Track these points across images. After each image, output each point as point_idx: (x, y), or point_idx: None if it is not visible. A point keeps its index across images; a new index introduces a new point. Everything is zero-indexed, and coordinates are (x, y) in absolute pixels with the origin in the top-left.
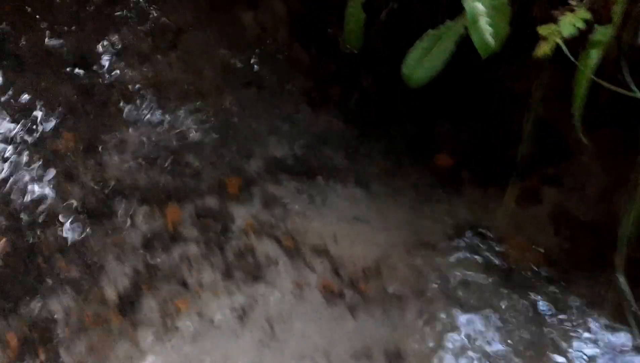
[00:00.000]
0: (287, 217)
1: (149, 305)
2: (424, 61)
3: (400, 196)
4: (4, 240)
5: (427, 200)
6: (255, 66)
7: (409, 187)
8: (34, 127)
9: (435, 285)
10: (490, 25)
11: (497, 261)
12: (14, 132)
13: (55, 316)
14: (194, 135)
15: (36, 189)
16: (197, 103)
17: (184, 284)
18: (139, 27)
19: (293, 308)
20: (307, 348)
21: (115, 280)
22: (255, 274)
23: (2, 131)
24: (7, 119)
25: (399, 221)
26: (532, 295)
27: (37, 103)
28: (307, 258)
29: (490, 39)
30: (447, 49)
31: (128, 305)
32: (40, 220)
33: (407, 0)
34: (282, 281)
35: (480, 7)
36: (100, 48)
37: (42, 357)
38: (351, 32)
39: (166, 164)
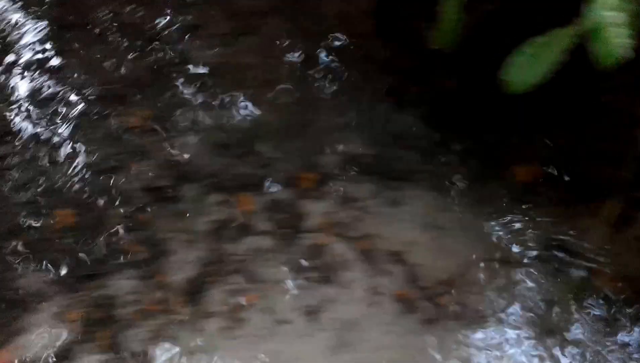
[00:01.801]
0: (362, 218)
1: (216, 296)
2: (527, 67)
3: (480, 206)
4: (71, 213)
5: (508, 212)
6: (334, 58)
7: (489, 197)
8: (105, 102)
9: (517, 304)
10: (619, 36)
11: (587, 282)
12: (82, 106)
13: (118, 298)
14: (268, 124)
15: (104, 165)
16: (273, 91)
17: (253, 278)
18: (217, 8)
19: (365, 315)
20: (380, 360)
21: (182, 266)
22: (327, 275)
23: (73, 104)
24: (75, 92)
25: (479, 232)
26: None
27: (109, 77)
28: (382, 263)
29: (618, 51)
30: (554, 57)
31: (194, 293)
32: (107, 198)
33: (508, 4)
34: (354, 286)
35: (610, 16)
36: (176, 26)
37: (103, 338)
38: (445, 32)
39: (239, 152)
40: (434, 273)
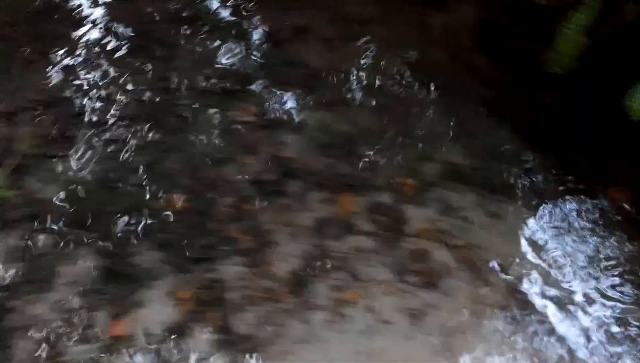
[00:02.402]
0: (464, 228)
1: (320, 290)
2: None
3: (581, 229)
4: (183, 197)
5: (610, 235)
6: (438, 69)
7: (589, 219)
8: (217, 96)
9: (618, 329)
10: None
11: None
12: (194, 98)
13: (227, 282)
14: (370, 128)
15: (215, 156)
16: (376, 97)
17: (355, 276)
18: (324, 13)
19: (469, 323)
20: None
21: (287, 258)
22: (430, 280)
23: (185, 96)
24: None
25: (578, 256)
26: None
27: (220, 73)
28: (486, 274)
29: None
30: None
31: (299, 285)
32: (216, 187)
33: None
34: (457, 293)
35: None
36: (285, 27)
37: (214, 319)
38: (564, 55)
39: (342, 153)
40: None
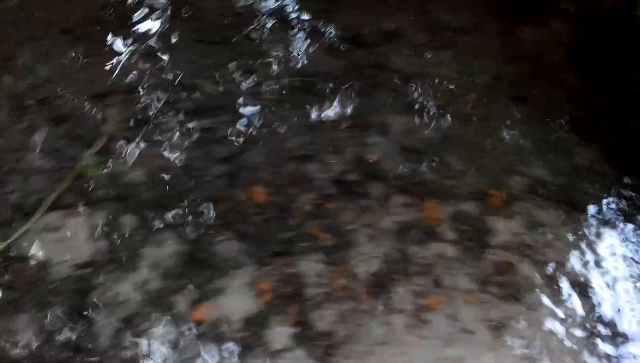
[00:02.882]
0: (549, 244)
1: (400, 294)
2: None
3: None
4: (265, 191)
5: None
6: (526, 82)
7: None
8: (303, 93)
9: None
10: None
11: None
12: (282, 93)
13: (306, 278)
14: (458, 137)
15: (298, 152)
16: (465, 106)
17: (437, 283)
18: (415, 19)
19: (552, 340)
20: None
21: (367, 259)
22: (513, 293)
23: (273, 90)
24: (275, 80)
25: None
26: None
27: (307, 70)
28: (567, 292)
29: None
30: None
31: (379, 287)
32: (298, 183)
33: None
34: (541, 309)
35: None
36: (375, 30)
37: (292, 313)
38: None
39: (427, 160)
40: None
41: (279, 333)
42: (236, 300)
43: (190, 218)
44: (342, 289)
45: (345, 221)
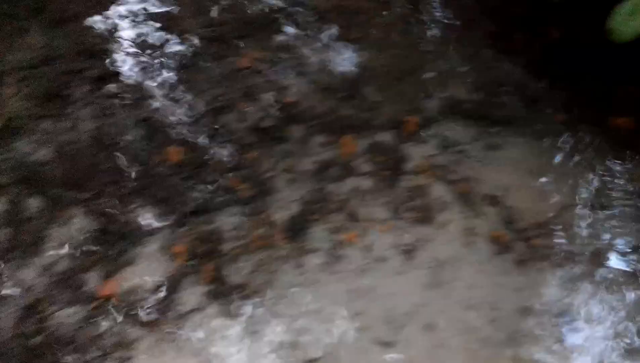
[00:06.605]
0: (462, 162)
1: (317, 234)
2: (632, 16)
3: (578, 154)
4: (179, 150)
5: (605, 160)
6: (441, 3)
7: (586, 145)
8: (214, 44)
9: (606, 242)
10: None
11: None
12: (193, 48)
13: (224, 233)
14: (373, 68)
15: (213, 104)
16: (379, 36)
17: (353, 217)
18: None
19: (460, 255)
20: (473, 298)
21: (287, 204)
22: (425, 216)
23: (184, 46)
24: (185, 34)
25: (576, 181)
26: None
27: (219, 20)
28: (479, 206)
29: None
30: None
31: (296, 230)
32: (214, 136)
33: None
34: (451, 227)
35: None
36: None
37: (207, 271)
38: None
39: (344, 95)
40: (529, 215)
41: (192, 294)
42: (149, 268)
43: (101, 190)
44: (259, 239)
45: (266, 169)
